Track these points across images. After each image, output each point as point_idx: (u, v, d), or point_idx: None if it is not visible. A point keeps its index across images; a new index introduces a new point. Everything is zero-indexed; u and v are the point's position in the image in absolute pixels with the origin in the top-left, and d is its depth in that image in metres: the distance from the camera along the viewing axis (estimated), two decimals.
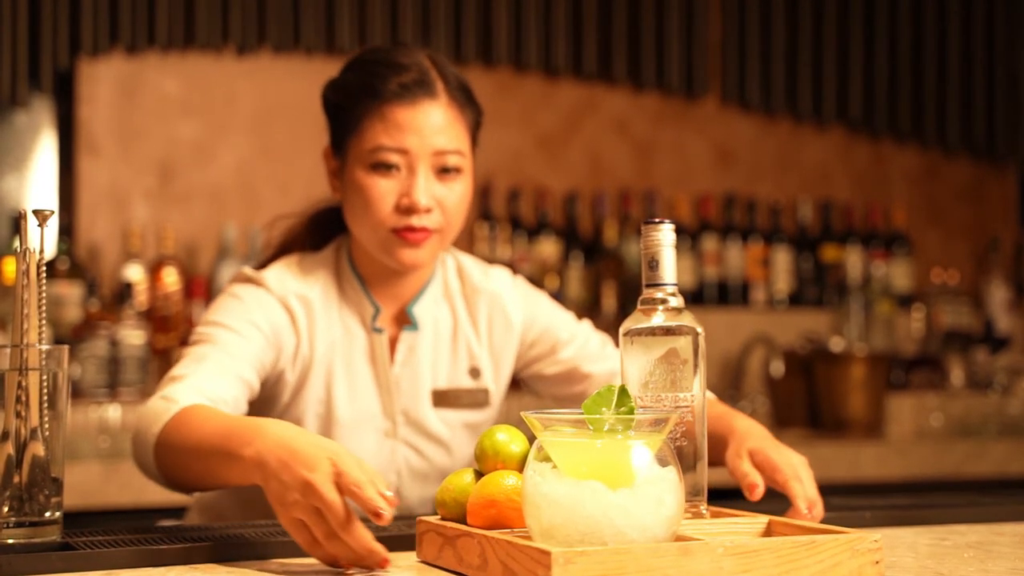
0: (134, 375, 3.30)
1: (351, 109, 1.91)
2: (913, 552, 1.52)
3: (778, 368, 3.93)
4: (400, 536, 1.53)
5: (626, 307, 3.76)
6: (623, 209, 4.03)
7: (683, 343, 1.44)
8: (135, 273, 3.50)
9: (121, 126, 3.64)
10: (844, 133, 4.37)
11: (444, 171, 1.90)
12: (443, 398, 2.00)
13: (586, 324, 2.11)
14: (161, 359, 3.35)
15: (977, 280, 4.44)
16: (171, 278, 3.52)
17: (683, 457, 1.42)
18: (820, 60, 4.28)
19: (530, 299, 2.08)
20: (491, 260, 2.72)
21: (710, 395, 1.89)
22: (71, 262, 3.44)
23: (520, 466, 1.41)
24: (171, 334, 3.44)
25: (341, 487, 1.33)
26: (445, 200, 1.90)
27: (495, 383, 2.04)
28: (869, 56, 4.33)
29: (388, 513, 1.31)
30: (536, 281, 3.40)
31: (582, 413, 1.28)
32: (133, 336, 3.33)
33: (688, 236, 4.01)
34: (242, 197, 3.73)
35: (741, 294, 4.11)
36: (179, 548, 1.45)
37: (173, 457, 1.63)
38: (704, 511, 1.45)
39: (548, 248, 3.89)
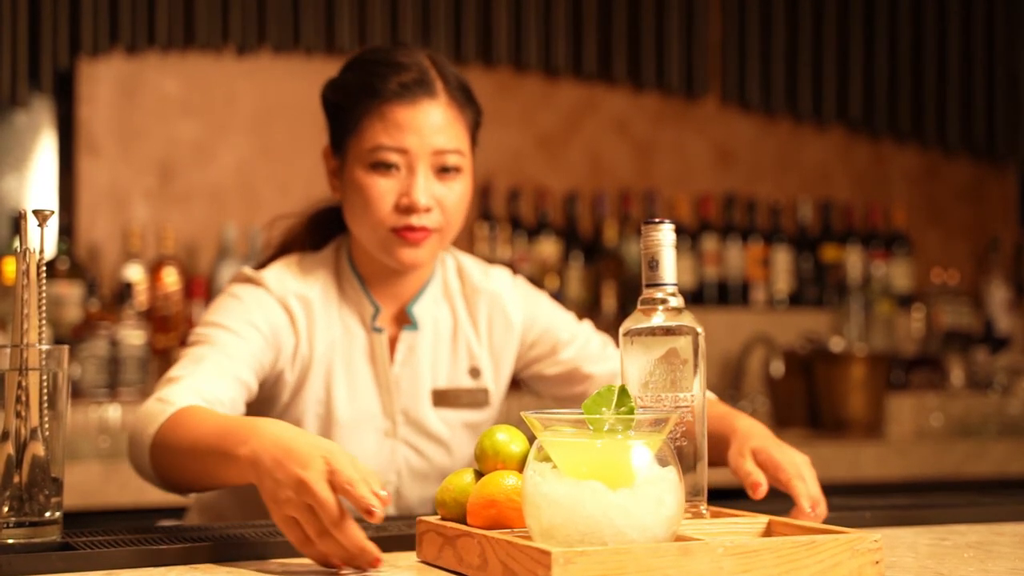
0: (134, 375, 3.31)
1: (351, 109, 1.91)
2: (913, 552, 1.52)
3: (778, 368, 3.93)
4: (400, 536, 1.53)
5: (626, 307, 3.76)
6: (623, 209, 4.03)
7: (683, 343, 1.44)
8: (135, 273, 3.50)
9: (121, 126, 3.64)
10: (844, 133, 4.37)
11: (444, 170, 1.90)
12: (443, 398, 2.00)
13: (587, 325, 2.11)
14: (161, 359, 3.35)
15: (977, 280, 4.44)
16: (171, 278, 3.52)
17: (683, 457, 1.42)
18: (820, 60, 4.28)
19: (530, 299, 2.08)
20: (491, 260, 2.72)
21: (711, 395, 1.89)
22: (71, 262, 3.44)
23: (520, 466, 1.41)
24: (171, 334, 3.44)
25: (334, 485, 1.33)
26: (445, 199, 1.90)
27: (495, 383, 2.04)
28: (869, 56, 4.33)
29: (380, 511, 1.31)
30: (536, 281, 3.40)
31: (582, 413, 1.28)
32: (133, 336, 3.33)
33: (688, 236, 4.01)
34: (242, 197, 3.73)
35: (741, 294, 4.11)
36: (179, 548, 1.45)
37: (169, 458, 1.63)
38: (704, 511, 1.45)
39: (548, 248, 3.89)
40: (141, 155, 3.66)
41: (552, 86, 4.05)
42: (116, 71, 3.63)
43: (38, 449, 1.44)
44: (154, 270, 3.53)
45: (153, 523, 2.12)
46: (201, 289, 3.53)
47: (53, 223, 3.01)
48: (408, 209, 1.88)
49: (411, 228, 1.88)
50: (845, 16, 4.30)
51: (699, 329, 1.45)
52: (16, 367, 1.44)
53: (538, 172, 4.02)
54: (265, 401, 1.94)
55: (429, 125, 1.88)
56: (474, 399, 2.02)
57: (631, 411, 1.28)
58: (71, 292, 3.39)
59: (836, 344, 3.94)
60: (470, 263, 2.08)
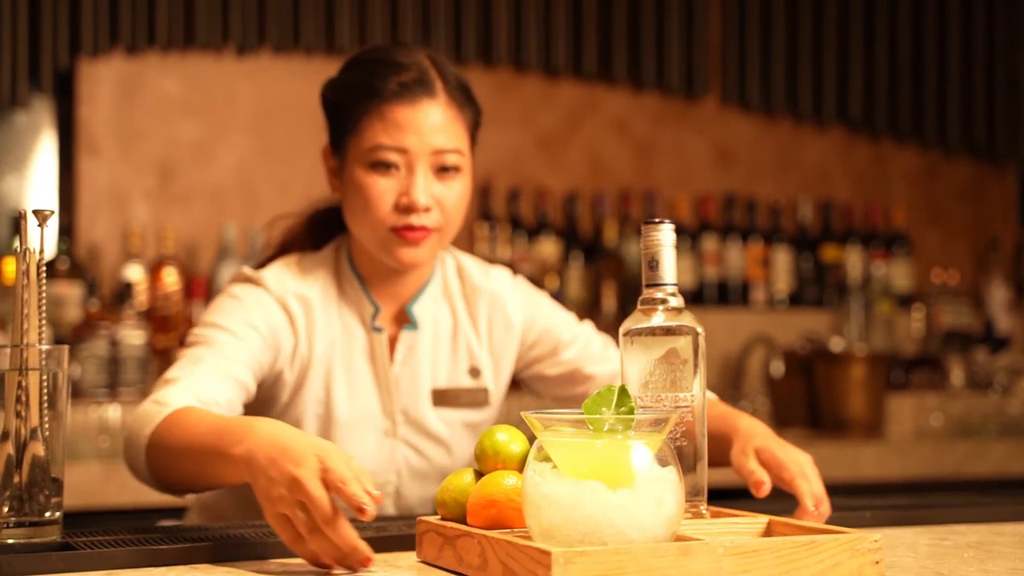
0: (134, 375, 3.31)
1: (350, 108, 1.91)
2: (913, 552, 1.52)
3: (778, 368, 3.93)
4: (400, 536, 1.53)
5: (626, 307, 3.76)
6: (623, 209, 4.03)
7: (683, 343, 1.44)
8: (135, 273, 3.50)
9: (121, 126, 3.64)
10: (844, 133, 4.37)
11: (443, 170, 1.90)
12: (443, 397, 2.00)
13: (588, 325, 2.11)
14: (161, 359, 3.35)
15: (977, 280, 4.44)
16: (171, 278, 3.52)
17: (683, 457, 1.42)
18: (820, 60, 4.28)
19: (531, 299, 2.08)
20: (491, 260, 2.72)
21: (712, 395, 1.89)
22: (71, 262, 3.44)
23: (520, 466, 1.41)
24: (171, 334, 3.44)
25: (327, 483, 1.33)
26: (444, 199, 1.90)
27: (495, 383, 2.04)
28: (869, 56, 4.33)
29: (372, 509, 1.31)
30: (536, 281, 3.40)
31: (582, 413, 1.28)
32: (133, 336, 3.33)
33: (688, 236, 4.01)
34: (242, 197, 3.73)
35: (741, 294, 4.11)
36: (179, 548, 1.45)
37: (165, 459, 1.63)
38: (704, 511, 1.45)
39: (548, 248, 3.89)
40: (141, 155, 3.66)
41: (552, 86, 4.05)
42: (116, 71, 3.63)
43: (38, 449, 1.44)
44: (154, 270, 3.53)
45: (153, 523, 2.12)
46: (201, 289, 3.53)
47: (53, 223, 3.01)
48: (408, 209, 1.88)
49: (411, 227, 1.88)
50: (845, 16, 4.30)
51: (699, 329, 1.45)
52: (16, 367, 1.44)
53: (538, 172, 4.02)
54: (265, 401, 1.95)
55: (429, 125, 1.88)
56: (474, 399, 2.02)
57: (631, 411, 1.28)
58: (71, 292, 3.39)
59: (836, 344, 3.94)
60: (470, 263, 2.08)
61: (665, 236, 1.45)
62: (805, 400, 3.90)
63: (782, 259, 4.14)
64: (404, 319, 2.00)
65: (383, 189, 1.88)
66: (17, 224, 1.50)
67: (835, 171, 4.36)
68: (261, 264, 2.03)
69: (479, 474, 1.44)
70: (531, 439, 1.35)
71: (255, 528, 1.61)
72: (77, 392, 3.24)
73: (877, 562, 1.30)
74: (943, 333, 4.25)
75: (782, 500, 1.76)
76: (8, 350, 1.44)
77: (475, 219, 3.83)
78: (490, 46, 3.93)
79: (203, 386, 1.74)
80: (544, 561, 1.18)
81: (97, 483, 2.82)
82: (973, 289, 4.41)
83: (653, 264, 1.45)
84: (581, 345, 2.06)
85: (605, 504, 1.23)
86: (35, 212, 1.47)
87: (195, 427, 1.58)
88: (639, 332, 1.44)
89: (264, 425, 1.45)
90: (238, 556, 1.46)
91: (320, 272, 1.98)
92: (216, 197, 3.71)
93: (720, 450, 1.77)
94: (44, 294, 1.47)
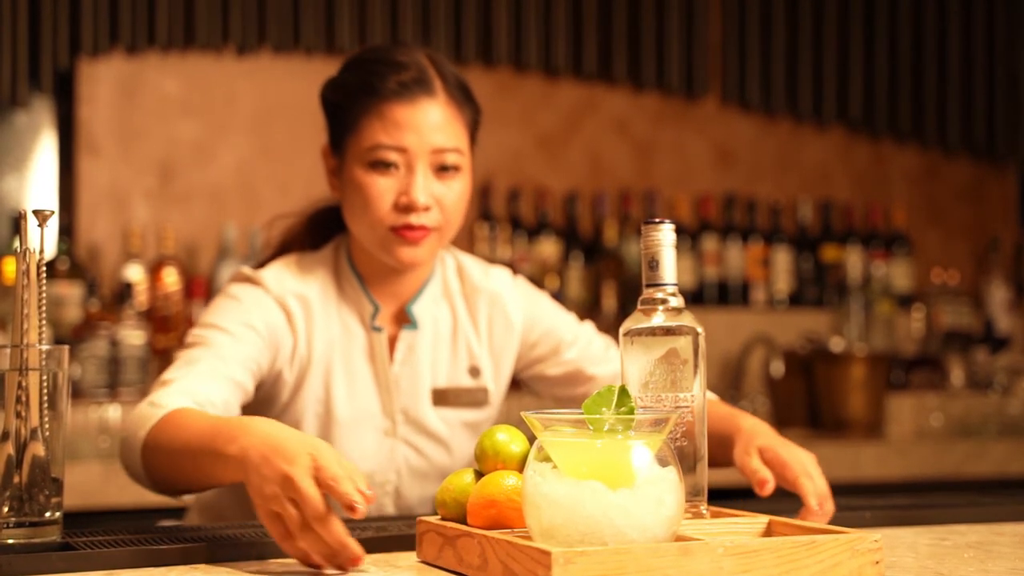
0: (134, 375, 3.31)
1: (350, 108, 1.91)
2: (913, 552, 1.52)
3: (778, 368, 3.93)
4: (400, 536, 1.53)
5: (626, 307, 3.76)
6: (623, 209, 4.03)
7: (683, 343, 1.44)
8: (135, 273, 3.50)
9: (121, 126, 3.64)
10: (844, 133, 4.37)
11: (443, 169, 1.90)
12: (443, 397, 2.00)
13: (589, 326, 2.11)
14: (161, 359, 3.35)
15: (977, 280, 4.44)
16: (171, 278, 3.52)
17: (683, 457, 1.42)
18: (820, 60, 4.28)
19: (531, 299, 2.08)
20: (491, 260, 2.72)
21: (712, 396, 1.89)
22: (71, 262, 3.44)
23: (520, 466, 1.41)
24: (171, 334, 3.44)
25: (319, 481, 1.33)
26: (444, 198, 1.90)
27: (495, 382, 2.04)
28: (869, 56, 4.33)
29: (363, 508, 1.31)
30: (536, 281, 3.40)
31: (582, 413, 1.28)
32: (133, 336, 3.33)
33: (688, 236, 4.01)
34: (242, 197, 3.73)
35: (741, 294, 4.11)
36: (179, 548, 1.45)
37: (160, 459, 1.63)
38: (704, 511, 1.45)
39: (548, 248, 3.89)
40: (141, 155, 3.66)
41: (552, 86, 4.05)
42: (116, 71, 3.63)
43: (38, 449, 1.44)
44: (154, 270, 3.53)
45: (153, 523, 2.12)
46: (201, 289, 3.53)
47: (53, 223, 3.01)
48: (407, 208, 1.88)
49: (410, 227, 1.88)
50: (845, 16, 4.30)
51: (699, 329, 1.45)
52: (16, 367, 1.44)
53: (538, 172, 4.02)
54: (264, 401, 1.95)
55: (428, 124, 1.88)
56: (474, 398, 2.02)
57: (631, 411, 1.28)
58: (71, 292, 3.39)
59: (836, 344, 3.94)
60: (470, 263, 2.08)
61: (665, 236, 1.45)
62: (805, 400, 3.90)
63: (782, 259, 4.14)
64: (404, 319, 2.00)
65: (382, 188, 1.88)
66: (17, 224, 1.51)
67: (835, 171, 4.36)
68: (261, 264, 2.03)
69: (479, 474, 1.44)
70: (531, 439, 1.35)
71: (254, 528, 1.61)
72: (77, 392, 3.24)
73: (877, 562, 1.30)
74: (943, 333, 4.25)
75: (784, 500, 1.76)
76: (8, 350, 1.44)
77: (475, 219, 3.83)
78: (490, 46, 3.93)
79: (199, 387, 1.74)
80: (544, 561, 1.18)
81: (97, 483, 2.82)
82: (973, 289, 4.41)
83: (653, 264, 1.45)
84: (583, 346, 2.06)
85: (605, 504, 1.23)
86: (35, 212, 1.47)
87: (190, 427, 1.58)
88: (639, 332, 1.44)
89: (258, 424, 1.45)
90: (238, 556, 1.46)
91: (319, 271, 1.98)
92: (216, 197, 3.71)
93: (723, 450, 1.77)
94: (44, 294, 1.47)
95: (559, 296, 3.69)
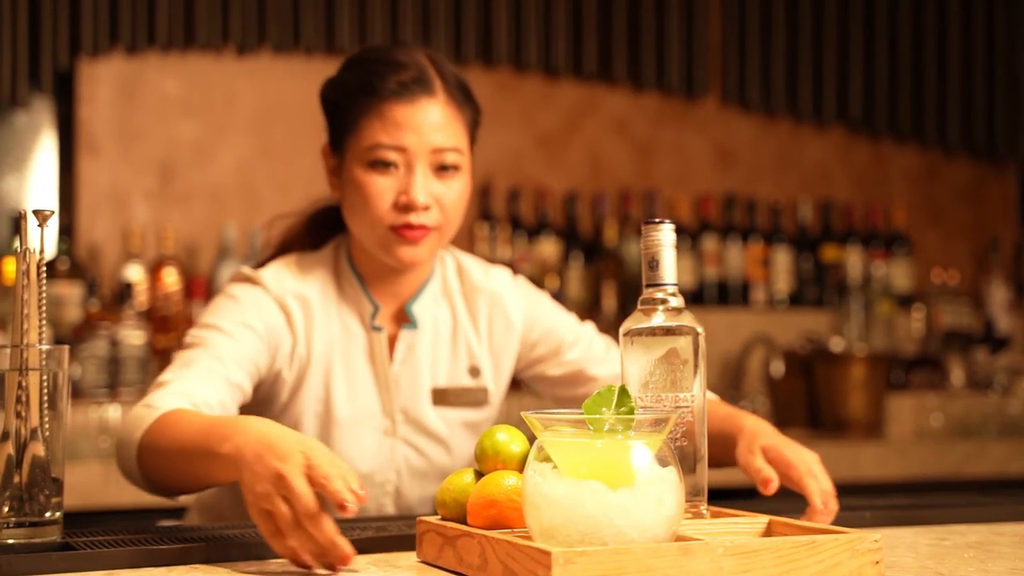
0: (134, 375, 3.31)
1: (349, 107, 1.92)
2: (913, 552, 1.52)
3: (778, 368, 3.93)
4: (400, 536, 1.53)
5: (626, 307, 3.76)
6: (623, 209, 4.03)
7: (683, 343, 1.44)
8: (135, 273, 3.50)
9: (121, 126, 3.64)
10: (844, 133, 4.37)
11: (442, 169, 1.90)
12: (442, 396, 2.00)
13: (589, 326, 2.11)
14: (161, 359, 3.35)
15: (977, 280, 4.44)
16: (171, 278, 3.52)
17: (683, 457, 1.42)
18: (820, 60, 4.28)
19: (532, 299, 2.08)
20: (491, 260, 2.72)
21: (713, 396, 1.89)
22: (71, 262, 3.44)
23: (520, 466, 1.41)
24: (171, 334, 3.44)
25: (311, 479, 1.34)
26: (443, 198, 1.90)
27: (495, 382, 2.04)
28: (869, 56, 4.33)
29: (353, 506, 1.31)
30: (536, 281, 3.40)
31: (582, 413, 1.28)
32: (133, 336, 3.33)
33: (688, 236, 4.01)
34: (242, 197, 3.73)
35: (741, 294, 4.11)
36: (179, 548, 1.45)
37: (156, 460, 1.64)
38: (704, 511, 1.45)
39: (548, 248, 3.89)
40: (141, 155, 3.66)
41: (552, 86, 4.05)
42: (116, 71, 3.63)
43: (38, 449, 1.44)
44: (154, 270, 3.53)
45: (153, 523, 2.12)
46: (201, 289, 3.53)
47: (53, 223, 3.00)
48: (407, 207, 1.88)
49: (410, 226, 1.88)
50: (845, 16, 4.30)
51: (699, 329, 1.45)
52: (16, 367, 1.44)
53: (538, 172, 4.02)
54: (264, 401, 1.95)
55: (428, 123, 1.88)
56: (474, 398, 2.02)
57: (631, 411, 1.28)
58: (71, 292, 3.39)
59: (836, 344, 3.94)
60: (470, 262, 2.08)
61: (665, 236, 1.45)
62: (805, 400, 3.90)
63: (782, 259, 4.14)
64: (404, 318, 2.00)
65: (382, 188, 1.88)
66: (17, 224, 1.51)
67: (835, 171, 4.36)
68: (260, 264, 2.03)
69: (479, 474, 1.44)
70: (531, 439, 1.35)
71: (254, 528, 1.60)
72: (77, 392, 3.24)
73: (877, 562, 1.30)
74: (943, 333, 4.25)
75: (785, 500, 1.76)
76: (8, 350, 1.44)
77: (475, 219, 3.83)
78: (490, 46, 3.93)
79: (195, 388, 1.74)
80: (544, 561, 1.18)
81: (97, 483, 2.82)
82: (973, 289, 4.41)
83: (653, 264, 1.45)
84: (584, 346, 2.06)
85: (605, 504, 1.23)
86: (35, 212, 1.47)
87: (185, 428, 1.58)
88: (639, 332, 1.44)
89: (252, 423, 1.46)
90: (237, 556, 1.46)
91: (319, 271, 1.98)
92: (216, 197, 3.71)
93: (725, 450, 1.77)
94: (44, 294, 1.47)
95: (559, 296, 3.69)
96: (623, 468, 1.25)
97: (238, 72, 3.73)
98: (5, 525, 1.42)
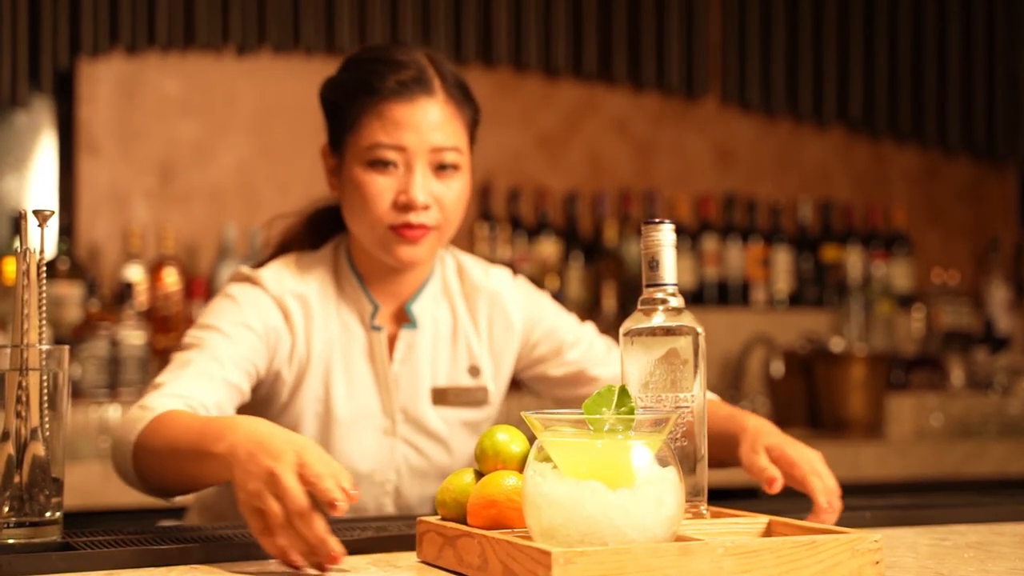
0: (134, 375, 3.31)
1: (349, 107, 1.92)
2: (913, 552, 1.52)
3: (778, 368, 3.93)
4: (400, 536, 1.53)
5: (626, 307, 3.76)
6: (623, 209, 4.03)
7: (683, 343, 1.44)
8: (135, 273, 3.50)
9: (121, 126, 3.64)
10: (844, 133, 4.37)
11: (442, 168, 1.90)
12: (442, 396, 2.00)
13: (590, 327, 2.11)
14: (161, 359, 3.35)
15: (977, 280, 4.44)
16: (171, 278, 3.52)
17: (683, 457, 1.42)
18: (820, 60, 4.28)
19: (532, 299, 2.08)
20: (491, 260, 2.72)
21: (713, 396, 1.89)
22: (71, 262, 3.44)
23: (520, 466, 1.41)
24: (171, 334, 3.44)
25: (303, 477, 1.34)
26: (443, 197, 1.90)
27: (495, 382, 2.04)
28: (869, 56, 4.33)
29: (343, 505, 1.32)
30: (536, 281, 3.40)
31: (582, 413, 1.28)
32: (133, 336, 3.33)
33: (688, 236, 4.01)
34: (242, 197, 3.73)
35: (741, 294, 4.11)
36: (179, 548, 1.45)
37: (151, 461, 1.64)
38: (704, 511, 1.45)
39: (548, 248, 3.89)
40: (141, 155, 3.66)
41: (552, 86, 4.05)
42: (116, 71, 3.63)
43: (38, 449, 1.44)
44: (154, 270, 3.53)
45: (153, 523, 2.12)
46: (201, 289, 3.53)
47: (53, 223, 3.00)
48: (406, 207, 1.88)
49: (409, 225, 1.88)
50: (845, 16, 4.30)
51: (699, 329, 1.45)
52: (16, 367, 1.44)
53: (538, 172, 4.02)
54: (264, 400, 1.95)
55: (427, 123, 1.89)
56: (473, 398, 2.02)
57: (631, 411, 1.28)
58: (71, 292, 3.39)
59: (836, 344, 3.94)
60: (470, 262, 2.08)
61: (665, 236, 1.45)
62: (805, 400, 3.90)
63: (782, 259, 4.14)
64: (403, 318, 2.00)
65: (381, 187, 1.88)
66: (17, 224, 1.51)
67: (835, 171, 4.36)
68: (260, 263, 2.03)
69: (479, 474, 1.44)
70: (531, 439, 1.35)
71: None
72: (77, 392, 3.23)
73: (877, 562, 1.30)
74: (943, 333, 4.25)
75: (784, 500, 1.76)
76: (8, 350, 1.44)
77: (475, 219, 3.83)
78: (490, 46, 3.93)
79: (191, 390, 1.74)
80: (544, 561, 1.18)
81: (97, 483, 2.82)
82: (973, 289, 4.41)
83: (653, 264, 1.45)
84: (585, 347, 2.06)
85: (605, 504, 1.23)
86: (35, 212, 1.47)
87: (179, 428, 1.59)
88: (639, 332, 1.44)
89: (245, 423, 1.46)
90: (237, 556, 1.46)
91: (318, 271, 1.98)
92: (216, 197, 3.71)
93: (728, 449, 1.77)
94: (44, 294, 1.47)
95: (559, 296, 3.69)
96: (623, 468, 1.25)
97: (238, 72, 3.73)
98: (5, 525, 1.42)
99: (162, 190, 3.67)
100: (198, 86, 3.70)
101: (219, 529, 1.62)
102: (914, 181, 4.45)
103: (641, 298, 1.46)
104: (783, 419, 3.87)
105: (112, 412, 3.19)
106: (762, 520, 1.41)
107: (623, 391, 1.29)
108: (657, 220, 1.46)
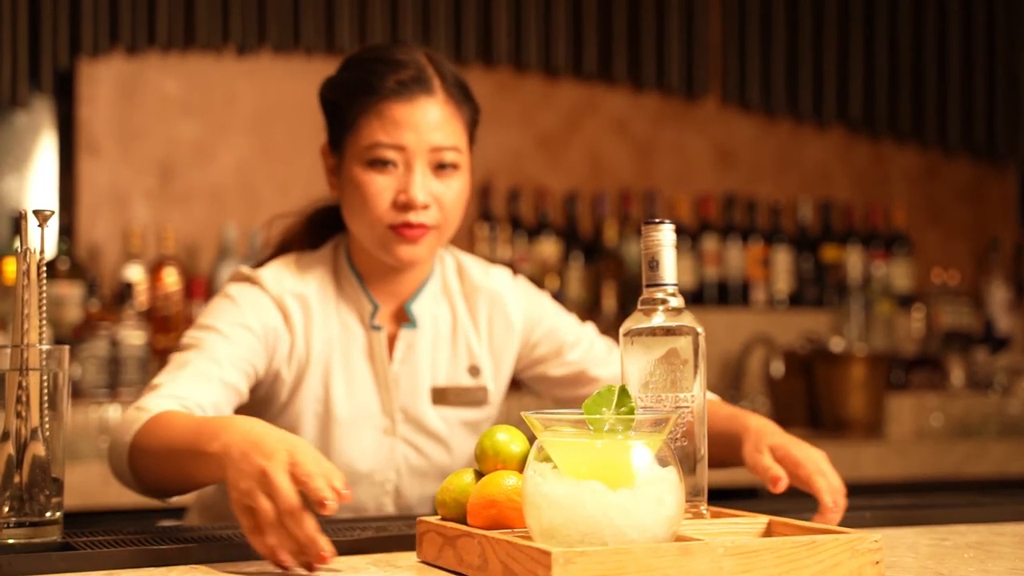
0: (134, 375, 3.30)
1: (348, 107, 1.92)
2: (913, 552, 1.52)
3: (778, 368, 3.93)
4: (400, 536, 1.53)
5: (626, 307, 3.76)
6: (623, 209, 4.03)
7: (683, 343, 1.44)
8: (135, 273, 3.50)
9: (121, 126, 3.64)
10: (844, 133, 4.37)
11: (441, 167, 1.90)
12: (442, 396, 2.00)
13: (590, 327, 2.11)
14: (161, 359, 3.34)
15: (977, 280, 4.44)
16: (171, 278, 3.52)
17: (683, 457, 1.42)
18: (820, 60, 4.28)
19: (532, 299, 2.08)
20: (491, 260, 2.72)
21: (714, 397, 1.89)
22: (71, 262, 3.44)
23: (520, 466, 1.41)
24: (171, 334, 3.44)
25: (294, 476, 1.34)
26: (442, 196, 1.90)
27: (494, 381, 2.04)
28: (869, 56, 4.33)
29: (333, 505, 1.32)
30: (536, 281, 3.40)
31: (582, 413, 1.28)
32: (133, 336, 3.33)
33: (688, 236, 4.01)
34: (242, 197, 3.73)
35: (741, 294, 4.11)
36: (179, 548, 1.45)
37: (147, 461, 1.64)
38: (704, 511, 1.45)
39: (548, 248, 3.89)
40: (141, 155, 3.66)
41: (552, 86, 4.05)
42: (116, 71, 3.63)
43: (38, 449, 1.44)
44: (154, 270, 3.53)
45: (153, 523, 2.12)
46: (201, 289, 3.53)
47: (53, 223, 3.00)
48: (406, 206, 1.88)
49: (409, 225, 1.88)
50: (845, 16, 4.30)
51: (699, 329, 1.45)
52: (16, 367, 1.44)
53: (538, 172, 4.02)
54: (263, 400, 1.95)
55: (426, 122, 1.89)
56: (473, 397, 2.02)
57: (631, 411, 1.28)
58: (71, 292, 3.39)
59: (836, 344, 3.94)
60: (470, 262, 2.08)
61: (665, 236, 1.45)
62: (805, 400, 3.90)
63: (782, 259, 4.14)
64: (403, 317, 2.00)
65: (381, 187, 1.88)
66: (17, 224, 1.51)
67: (835, 171, 4.36)
68: (260, 263, 2.03)
69: (479, 474, 1.44)
70: (531, 439, 1.35)
71: None
72: (77, 392, 3.23)
73: (877, 562, 1.30)
74: (943, 333, 4.25)
75: (785, 500, 1.76)
76: (8, 350, 1.44)
77: (475, 219, 3.83)
78: (490, 46, 3.93)
79: (187, 391, 1.74)
80: (544, 561, 1.18)
81: (97, 483, 2.82)
82: (973, 289, 4.41)
83: (653, 264, 1.45)
84: (586, 347, 2.06)
85: (605, 504, 1.23)
86: (35, 212, 1.47)
87: (175, 429, 1.59)
88: (639, 332, 1.44)
89: (240, 423, 1.47)
90: (238, 556, 1.46)
91: (318, 270, 1.98)
92: (216, 197, 3.71)
93: (731, 449, 1.77)
94: (44, 294, 1.47)
95: (559, 296, 3.69)
96: (623, 468, 1.25)
97: (238, 72, 3.73)
98: (5, 525, 1.42)
99: (162, 190, 3.67)
100: (198, 86, 3.70)
101: (219, 529, 1.62)
102: (914, 181, 4.45)
103: (641, 298, 1.46)
104: (783, 419, 3.87)
105: (112, 412, 3.19)
106: (762, 520, 1.41)
107: (623, 391, 1.29)
108: (657, 220, 1.46)
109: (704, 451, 1.46)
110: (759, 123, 4.28)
